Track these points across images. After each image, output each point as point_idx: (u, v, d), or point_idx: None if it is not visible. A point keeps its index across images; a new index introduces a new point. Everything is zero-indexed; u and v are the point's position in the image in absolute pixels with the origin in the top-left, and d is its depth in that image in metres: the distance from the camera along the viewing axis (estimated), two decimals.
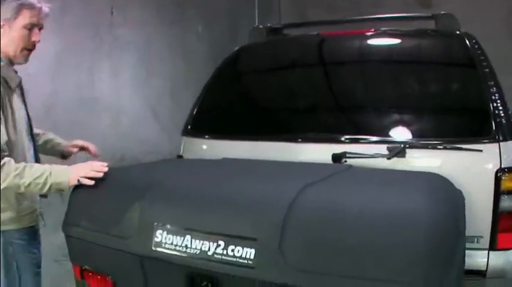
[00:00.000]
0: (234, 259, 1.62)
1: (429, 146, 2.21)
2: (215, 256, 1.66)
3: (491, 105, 2.21)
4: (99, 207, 2.02)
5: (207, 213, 1.76)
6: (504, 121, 2.19)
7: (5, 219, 2.13)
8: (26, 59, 2.19)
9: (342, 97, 2.68)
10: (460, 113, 2.43)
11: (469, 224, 2.05)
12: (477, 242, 2.14)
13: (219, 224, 1.70)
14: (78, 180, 2.03)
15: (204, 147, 2.75)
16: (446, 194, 1.81)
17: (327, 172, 2.02)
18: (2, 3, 2.10)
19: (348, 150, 2.29)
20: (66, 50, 3.48)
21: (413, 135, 2.32)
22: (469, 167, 2.15)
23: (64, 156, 2.58)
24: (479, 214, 2.10)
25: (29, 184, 2.00)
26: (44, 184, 2.01)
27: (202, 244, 1.69)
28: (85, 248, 2.05)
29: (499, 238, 2.13)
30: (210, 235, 1.69)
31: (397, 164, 2.19)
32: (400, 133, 2.35)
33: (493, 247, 2.14)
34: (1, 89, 2.03)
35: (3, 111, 2.04)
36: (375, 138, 2.32)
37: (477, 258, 2.14)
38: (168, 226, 1.77)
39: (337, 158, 2.29)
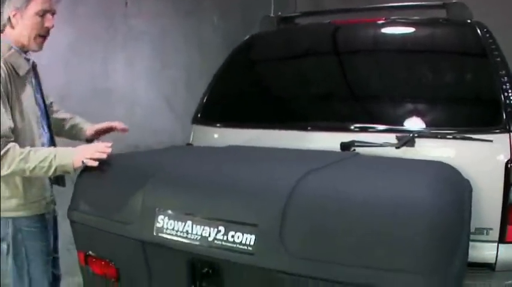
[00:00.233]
0: (234, 245, 1.61)
1: (438, 136, 2.18)
2: (215, 241, 1.65)
3: (502, 95, 2.17)
4: (103, 193, 2.03)
5: (208, 198, 1.76)
6: None
7: (13, 206, 2.15)
8: (41, 46, 2.20)
9: (351, 86, 2.66)
10: (470, 102, 2.39)
11: (479, 215, 2.03)
12: (486, 234, 2.10)
13: (219, 209, 1.70)
14: (83, 161, 2.03)
15: (214, 135, 2.76)
16: (452, 183, 1.78)
17: (332, 159, 2.00)
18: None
19: (357, 139, 2.27)
20: (80, 41, 3.50)
21: (423, 125, 2.29)
22: (478, 158, 2.12)
23: (89, 141, 2.55)
24: (488, 205, 2.07)
25: (34, 168, 2.01)
26: (49, 167, 2.02)
27: (203, 229, 1.68)
28: (89, 233, 2.06)
29: (509, 230, 2.08)
30: (211, 220, 1.68)
31: (406, 153, 2.17)
32: (410, 122, 2.32)
33: (502, 239, 2.09)
34: (2, 76, 2.03)
35: (8, 98, 2.05)
36: (384, 127, 2.29)
37: (486, 251, 2.10)
38: (170, 212, 1.77)
39: (345, 146, 2.27)
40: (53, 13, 2.18)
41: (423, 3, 2.87)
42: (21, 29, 2.12)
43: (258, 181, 1.77)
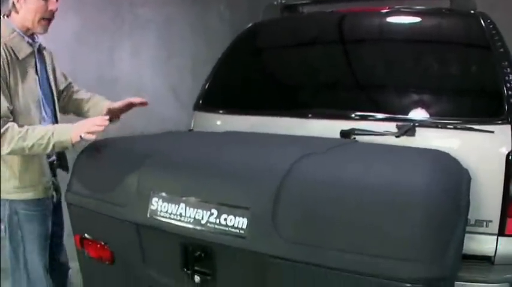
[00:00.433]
0: (227, 229, 1.61)
1: (439, 126, 2.15)
2: (208, 224, 1.64)
3: (504, 86, 2.13)
4: (99, 175, 2.03)
5: (201, 181, 1.75)
6: None
7: (9, 188, 2.17)
8: (46, 29, 2.20)
9: (353, 74, 2.64)
10: (472, 93, 2.36)
11: (478, 207, 2.01)
12: (486, 226, 2.06)
13: (213, 192, 1.69)
14: (81, 136, 2.02)
15: (214, 121, 2.75)
16: (448, 171, 1.75)
17: (329, 145, 1.99)
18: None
19: (357, 127, 2.25)
20: (86, 29, 3.50)
21: (424, 114, 2.26)
22: (479, 149, 2.08)
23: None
24: (488, 197, 2.03)
25: (33, 145, 2.02)
26: (47, 144, 2.03)
27: (196, 212, 1.68)
28: (85, 216, 2.07)
29: (508, 223, 2.05)
30: (204, 203, 1.67)
31: (406, 142, 2.14)
32: (410, 112, 2.29)
33: (502, 232, 2.06)
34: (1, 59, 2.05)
35: (6, 81, 2.07)
36: (384, 116, 2.27)
37: (485, 243, 2.07)
38: (164, 194, 1.77)
39: (345, 134, 2.25)
40: None
41: None
42: (25, 13, 2.13)
43: (252, 164, 1.76)
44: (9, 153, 2.04)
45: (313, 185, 1.57)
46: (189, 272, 1.77)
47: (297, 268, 1.51)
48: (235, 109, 2.71)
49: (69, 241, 2.44)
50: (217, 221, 1.63)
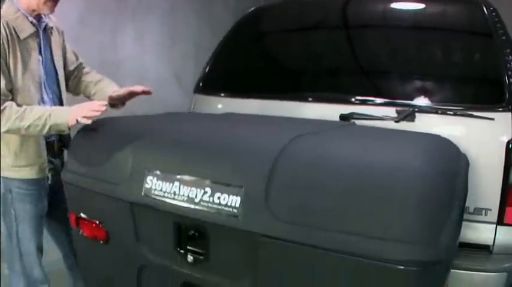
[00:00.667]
0: (220, 207, 1.59)
1: (439, 112, 2.13)
2: (202, 203, 1.63)
3: (506, 73, 2.11)
4: (95, 154, 2.02)
5: (195, 159, 1.73)
6: None
7: (5, 165, 2.17)
8: (52, 9, 2.19)
9: (353, 59, 2.63)
10: (473, 79, 2.34)
11: (477, 195, 2.00)
12: (485, 214, 2.05)
13: (206, 170, 1.67)
14: (77, 120, 2.02)
15: (214, 104, 2.74)
16: (445, 154, 1.73)
17: (325, 127, 1.98)
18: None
19: (357, 111, 2.24)
20: (89, 12, 3.49)
21: (424, 100, 2.25)
22: (479, 136, 2.06)
23: (112, 106, 2.41)
24: (488, 185, 2.02)
25: (29, 126, 2.02)
26: (44, 125, 2.03)
27: (190, 190, 1.66)
28: (80, 195, 2.06)
29: (507, 212, 2.03)
30: (198, 181, 1.66)
31: (405, 127, 2.12)
32: (410, 97, 2.27)
33: (501, 221, 2.04)
34: (1, 38, 2.04)
35: (6, 60, 2.07)
36: (384, 101, 2.26)
37: (484, 232, 2.06)
38: (158, 173, 1.75)
39: (344, 118, 2.24)
40: None
41: None
42: None
43: (246, 143, 1.74)
44: (6, 132, 2.05)
45: (307, 164, 1.55)
46: (182, 251, 1.77)
47: (290, 248, 1.50)
48: (236, 92, 2.71)
49: None
50: (211, 200, 1.61)
